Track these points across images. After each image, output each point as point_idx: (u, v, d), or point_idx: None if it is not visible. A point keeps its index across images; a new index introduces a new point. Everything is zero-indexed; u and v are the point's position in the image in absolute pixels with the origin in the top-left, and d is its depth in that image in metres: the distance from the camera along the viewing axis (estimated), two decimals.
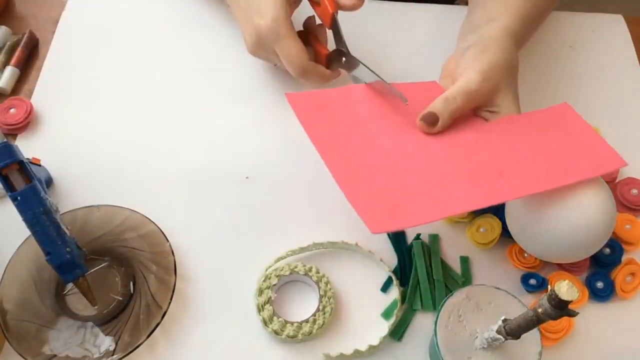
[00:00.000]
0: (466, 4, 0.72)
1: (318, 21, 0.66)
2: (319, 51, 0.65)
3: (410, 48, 0.76)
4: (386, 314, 0.59)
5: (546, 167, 0.55)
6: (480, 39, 0.61)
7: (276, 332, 0.57)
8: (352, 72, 0.63)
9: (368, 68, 0.61)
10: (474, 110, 0.61)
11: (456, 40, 0.66)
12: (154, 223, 0.60)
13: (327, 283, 0.59)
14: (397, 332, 0.58)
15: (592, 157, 0.57)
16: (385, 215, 0.50)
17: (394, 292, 0.60)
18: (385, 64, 0.69)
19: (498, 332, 0.48)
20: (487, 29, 0.62)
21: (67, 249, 0.53)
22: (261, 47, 0.63)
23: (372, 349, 0.57)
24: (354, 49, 0.76)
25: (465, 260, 0.62)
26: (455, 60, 0.62)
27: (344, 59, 0.63)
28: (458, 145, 0.57)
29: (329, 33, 0.66)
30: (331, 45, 0.65)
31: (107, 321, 0.58)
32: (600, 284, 0.61)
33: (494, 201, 0.52)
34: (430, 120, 0.57)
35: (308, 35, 0.66)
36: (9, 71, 0.71)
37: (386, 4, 0.79)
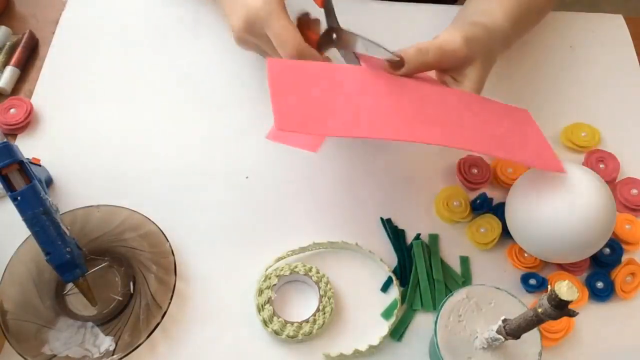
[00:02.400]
0: None
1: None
2: (309, 37, 0.60)
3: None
4: (386, 314, 0.59)
5: (486, 135, 0.55)
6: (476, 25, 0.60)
7: (276, 332, 0.57)
8: (345, 49, 0.60)
9: (364, 38, 0.57)
10: (439, 71, 0.60)
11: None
12: (154, 223, 0.60)
13: (327, 283, 0.59)
14: (397, 332, 0.58)
15: (533, 150, 0.58)
16: (298, 117, 0.49)
17: (394, 292, 0.60)
18: None
19: (498, 332, 0.48)
20: (479, 21, 0.61)
21: (67, 249, 0.53)
22: (251, 31, 0.59)
23: (372, 349, 0.57)
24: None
25: (465, 260, 0.62)
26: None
27: (334, 35, 0.59)
28: (409, 93, 0.56)
29: (322, 20, 0.62)
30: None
31: (107, 321, 0.58)
32: (600, 284, 0.61)
33: (419, 139, 0.51)
34: (396, 65, 0.56)
35: (299, 25, 0.61)
36: (9, 71, 0.71)
37: (386, 4, 0.79)
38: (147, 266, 0.60)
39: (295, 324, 0.57)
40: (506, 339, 0.48)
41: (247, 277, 0.60)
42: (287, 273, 0.59)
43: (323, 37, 0.60)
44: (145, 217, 0.61)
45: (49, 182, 0.64)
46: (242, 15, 0.58)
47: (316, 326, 0.57)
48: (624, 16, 0.80)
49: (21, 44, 0.72)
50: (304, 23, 0.61)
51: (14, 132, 0.67)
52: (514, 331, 0.47)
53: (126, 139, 0.68)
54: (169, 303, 0.57)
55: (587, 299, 0.60)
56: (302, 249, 0.62)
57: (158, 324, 0.56)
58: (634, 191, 0.66)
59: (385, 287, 0.61)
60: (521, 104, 0.72)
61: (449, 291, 0.60)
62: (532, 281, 0.61)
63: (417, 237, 0.63)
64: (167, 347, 0.57)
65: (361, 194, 0.66)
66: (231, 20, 0.60)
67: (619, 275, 0.61)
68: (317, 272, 0.60)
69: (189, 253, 0.62)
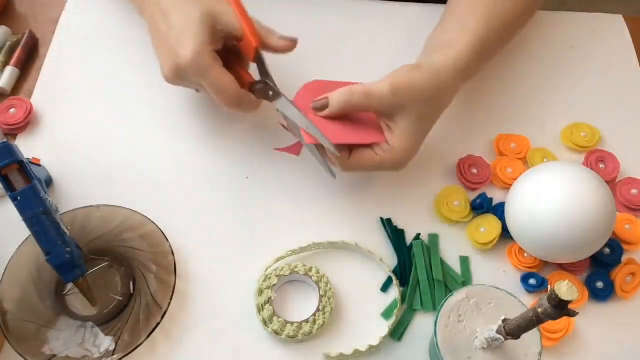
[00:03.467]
0: None
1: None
2: (243, 78, 0.60)
3: (410, 48, 0.76)
4: (386, 314, 0.59)
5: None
6: (427, 71, 0.58)
7: (276, 332, 0.57)
8: (275, 102, 0.59)
9: (292, 103, 0.58)
10: (376, 114, 0.59)
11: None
12: (154, 223, 0.60)
13: (327, 283, 0.59)
14: (397, 332, 0.58)
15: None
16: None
17: (394, 292, 0.60)
18: (384, 64, 0.69)
19: (498, 332, 0.48)
20: (438, 58, 0.59)
21: (67, 249, 0.53)
22: (182, 79, 0.58)
23: (372, 349, 0.57)
24: (353, 49, 0.76)
25: (465, 260, 0.62)
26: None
27: (270, 92, 0.59)
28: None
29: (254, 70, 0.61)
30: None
31: (107, 321, 0.58)
32: (600, 284, 0.61)
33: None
34: (321, 105, 0.57)
35: (228, 58, 0.60)
36: (9, 71, 0.71)
37: (386, 4, 0.79)
38: (147, 266, 0.60)
39: (295, 324, 0.57)
40: (506, 339, 0.48)
41: (247, 277, 0.60)
42: (287, 273, 0.59)
43: (257, 83, 0.60)
44: (145, 217, 0.61)
45: (49, 182, 0.64)
46: (172, 66, 0.57)
47: (316, 326, 0.57)
48: (624, 16, 0.80)
49: (21, 44, 0.72)
50: (235, 60, 0.61)
51: (14, 132, 0.67)
52: (514, 331, 0.47)
53: (126, 139, 0.68)
54: (169, 303, 0.57)
55: (587, 299, 0.60)
56: (302, 249, 0.62)
57: (158, 324, 0.56)
58: (634, 191, 0.66)
59: (385, 287, 0.61)
60: (521, 104, 0.73)
61: (449, 291, 0.60)
62: (532, 281, 0.61)
63: (417, 237, 0.63)
64: (167, 347, 0.57)
65: (361, 194, 0.66)
66: (161, 63, 0.59)
67: (619, 275, 0.61)
68: (317, 272, 0.60)
69: (189, 253, 0.62)
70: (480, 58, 0.61)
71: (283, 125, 0.61)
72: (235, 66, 0.60)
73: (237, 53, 0.61)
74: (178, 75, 0.58)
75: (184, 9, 0.57)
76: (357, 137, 0.58)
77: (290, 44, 0.59)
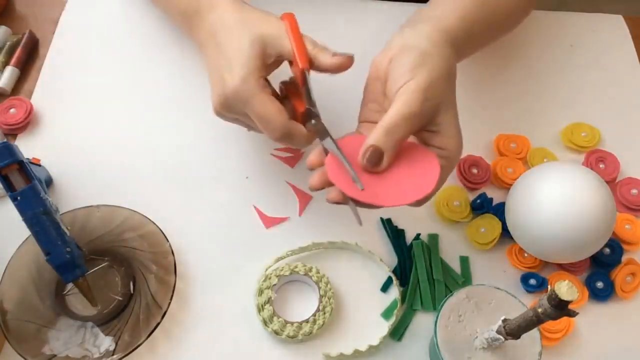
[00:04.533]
0: None
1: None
2: (295, 107, 0.55)
3: None
4: (386, 314, 0.59)
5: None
6: (418, 42, 0.53)
7: (276, 332, 0.57)
8: (322, 140, 0.52)
9: (334, 141, 0.51)
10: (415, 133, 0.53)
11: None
12: (154, 223, 0.60)
13: (327, 283, 0.59)
14: (397, 332, 0.58)
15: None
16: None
17: (394, 292, 0.60)
18: None
19: (498, 332, 0.48)
20: (425, 26, 0.55)
21: (67, 249, 0.53)
22: (229, 109, 0.54)
23: (372, 349, 0.57)
24: (353, 49, 0.76)
25: (465, 260, 0.62)
26: (389, 60, 0.53)
27: (313, 121, 0.53)
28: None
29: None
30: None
31: (107, 321, 0.58)
32: (600, 284, 0.61)
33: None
34: (376, 159, 0.49)
35: (287, 91, 0.56)
36: (9, 71, 0.71)
37: (386, 4, 0.79)
38: (147, 266, 0.60)
39: (295, 324, 0.57)
40: (506, 339, 0.48)
41: (247, 277, 0.60)
42: (287, 273, 0.59)
43: (306, 112, 0.54)
44: (145, 217, 0.61)
45: (49, 182, 0.64)
46: (219, 96, 0.54)
47: (316, 326, 0.57)
48: (624, 16, 0.80)
49: (21, 44, 0.72)
50: (290, 89, 0.56)
51: (14, 132, 0.67)
52: (514, 331, 0.47)
53: (126, 139, 0.68)
54: (169, 303, 0.57)
55: (587, 299, 0.60)
56: (302, 249, 0.62)
57: (158, 324, 0.56)
58: (634, 191, 0.66)
59: (385, 287, 0.61)
60: (521, 104, 0.73)
61: (449, 291, 0.60)
62: (532, 281, 0.61)
63: (417, 237, 0.63)
64: (167, 347, 0.57)
65: None
66: (211, 91, 0.56)
67: (619, 275, 0.61)
68: (317, 272, 0.60)
69: (189, 253, 0.62)
70: (469, 37, 0.58)
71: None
72: (292, 97, 0.55)
73: (293, 87, 0.56)
74: (225, 106, 0.54)
75: (235, 35, 0.54)
76: (417, 189, 0.50)
77: (346, 61, 0.54)
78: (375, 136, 0.49)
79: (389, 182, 0.50)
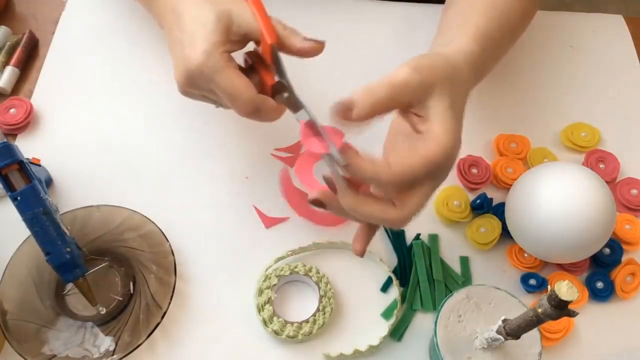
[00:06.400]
0: None
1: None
2: (264, 80, 0.53)
3: (410, 48, 0.76)
4: (386, 314, 0.59)
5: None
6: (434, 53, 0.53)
7: (276, 332, 0.57)
8: (295, 112, 0.51)
9: (308, 112, 0.50)
10: (402, 113, 0.50)
11: None
12: (154, 223, 0.60)
13: (327, 283, 0.59)
14: (397, 332, 0.58)
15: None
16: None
17: (394, 292, 0.60)
18: (385, 64, 0.68)
19: (498, 332, 0.48)
20: (440, 50, 0.55)
21: (67, 249, 0.53)
22: (194, 85, 0.53)
23: (372, 349, 0.57)
24: (353, 49, 0.76)
25: (465, 260, 0.62)
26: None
27: (285, 94, 0.52)
28: None
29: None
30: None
31: (107, 321, 0.58)
32: (600, 284, 0.61)
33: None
34: (343, 107, 0.45)
35: (253, 64, 0.54)
36: (9, 71, 0.71)
37: (386, 4, 0.79)
38: (147, 266, 0.60)
39: (295, 324, 0.57)
40: (506, 339, 0.48)
41: (247, 277, 0.60)
42: (287, 273, 0.59)
43: (277, 85, 0.52)
44: (145, 217, 0.61)
45: (49, 182, 0.64)
46: (182, 72, 0.52)
47: (316, 326, 0.57)
48: (624, 16, 0.80)
49: (21, 44, 0.72)
50: (257, 62, 0.54)
51: (14, 132, 0.67)
52: (514, 331, 0.47)
53: (126, 139, 0.68)
54: (169, 303, 0.57)
55: (587, 299, 0.60)
56: (302, 249, 0.62)
57: (158, 324, 0.56)
58: (634, 191, 0.66)
59: (385, 287, 0.61)
60: (521, 104, 0.73)
61: (449, 291, 0.60)
62: (532, 281, 0.61)
63: (417, 237, 0.63)
64: (167, 347, 0.57)
65: None
66: (174, 70, 0.53)
67: (619, 275, 0.61)
68: (317, 272, 0.60)
69: (189, 253, 0.62)
70: (484, 49, 0.57)
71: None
72: (259, 70, 0.54)
73: (258, 59, 0.54)
74: (189, 82, 0.52)
75: (198, 12, 0.52)
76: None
77: (317, 46, 0.53)
78: (353, 93, 0.46)
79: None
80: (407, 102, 0.48)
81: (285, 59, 0.52)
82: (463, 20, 0.59)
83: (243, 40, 0.53)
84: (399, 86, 0.47)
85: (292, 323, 0.57)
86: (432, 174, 0.47)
